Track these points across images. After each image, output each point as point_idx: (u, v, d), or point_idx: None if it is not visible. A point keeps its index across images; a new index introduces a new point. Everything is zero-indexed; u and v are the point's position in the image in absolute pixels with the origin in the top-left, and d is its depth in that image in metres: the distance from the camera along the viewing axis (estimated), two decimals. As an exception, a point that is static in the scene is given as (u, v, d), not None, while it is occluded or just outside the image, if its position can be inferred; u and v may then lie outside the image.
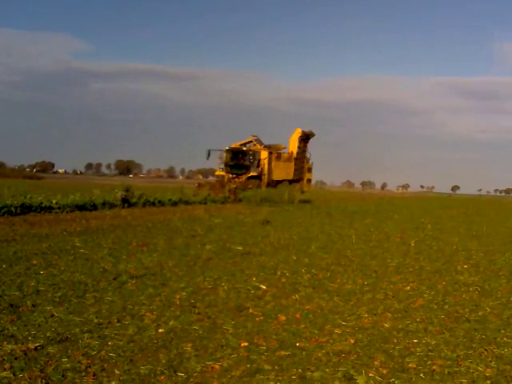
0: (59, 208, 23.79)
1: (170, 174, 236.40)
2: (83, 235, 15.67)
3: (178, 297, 8.63)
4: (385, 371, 5.83)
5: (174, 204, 33.05)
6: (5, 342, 6.15)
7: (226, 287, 9.52)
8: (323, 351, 6.40)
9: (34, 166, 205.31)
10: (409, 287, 10.28)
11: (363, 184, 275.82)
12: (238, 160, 47.10)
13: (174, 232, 17.58)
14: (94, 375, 5.38)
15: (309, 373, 5.69)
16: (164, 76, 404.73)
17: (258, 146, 48.19)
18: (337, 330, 7.26)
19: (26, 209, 22.18)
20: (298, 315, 7.90)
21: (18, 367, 5.47)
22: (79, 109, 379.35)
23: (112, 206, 27.42)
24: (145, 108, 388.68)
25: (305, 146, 52.09)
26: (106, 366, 5.65)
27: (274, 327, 7.29)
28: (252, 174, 46.26)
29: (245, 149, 47.88)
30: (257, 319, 7.63)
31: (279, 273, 11.10)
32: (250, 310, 8.06)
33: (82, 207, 25.19)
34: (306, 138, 51.59)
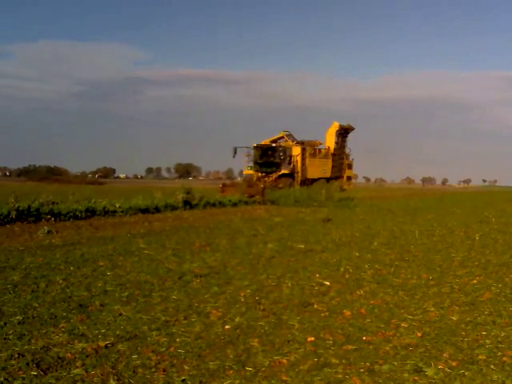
0: (122, 211, 24.16)
1: (229, 175, 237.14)
2: (147, 237, 15.92)
3: (242, 294, 8.69)
4: (454, 363, 5.77)
5: (235, 205, 33.11)
6: (76, 341, 6.31)
7: (289, 284, 9.53)
8: (390, 345, 6.36)
9: (95, 172, 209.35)
10: (475, 281, 10.09)
11: (424, 180, 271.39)
12: (268, 157, 43.68)
13: (236, 232, 17.67)
14: (164, 371, 5.48)
15: (377, 366, 5.67)
16: (218, 80, 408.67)
17: (290, 142, 45.17)
18: (403, 324, 7.21)
19: (90, 213, 22.62)
20: (363, 310, 7.86)
21: (89, 365, 5.60)
22: (138, 116, 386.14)
23: (174, 208, 27.66)
24: (201, 112, 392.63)
25: (343, 141, 49.05)
26: (175, 361, 5.74)
27: (340, 322, 7.28)
28: (283, 171, 42.97)
29: (274, 145, 44.67)
30: (322, 315, 7.62)
31: (342, 269, 11.05)
32: (315, 306, 8.06)
33: (144, 210, 25.51)
34: (344, 132, 48.45)
